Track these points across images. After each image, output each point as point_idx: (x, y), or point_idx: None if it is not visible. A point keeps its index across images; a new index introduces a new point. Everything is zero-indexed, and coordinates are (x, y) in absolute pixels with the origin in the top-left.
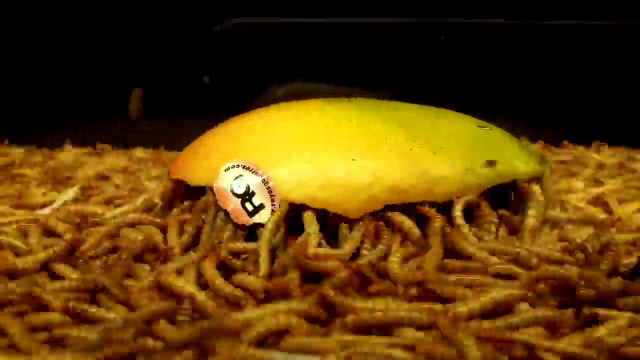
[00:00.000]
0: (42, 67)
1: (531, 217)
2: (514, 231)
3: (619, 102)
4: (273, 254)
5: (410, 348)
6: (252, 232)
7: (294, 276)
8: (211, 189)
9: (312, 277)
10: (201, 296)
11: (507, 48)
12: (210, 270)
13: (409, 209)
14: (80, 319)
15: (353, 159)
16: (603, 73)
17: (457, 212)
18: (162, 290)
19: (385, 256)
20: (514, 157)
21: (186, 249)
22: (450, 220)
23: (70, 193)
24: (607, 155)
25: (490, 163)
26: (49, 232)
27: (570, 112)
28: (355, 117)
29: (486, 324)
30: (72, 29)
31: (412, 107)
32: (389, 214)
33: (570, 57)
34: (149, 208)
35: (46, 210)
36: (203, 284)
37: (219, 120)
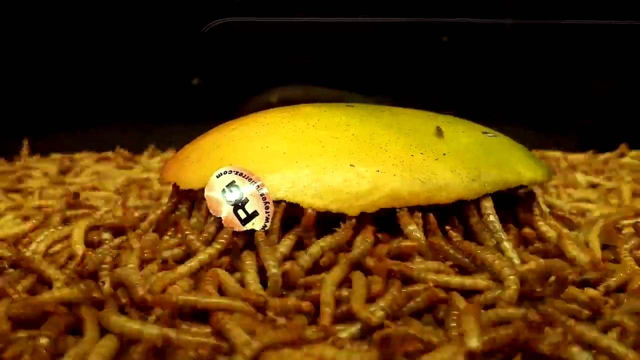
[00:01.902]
0: (25, 70)
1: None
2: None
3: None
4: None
5: None
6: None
7: None
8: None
9: None
10: None
11: (515, 50)
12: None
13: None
14: None
15: (351, 165)
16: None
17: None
18: None
19: None
20: (520, 164)
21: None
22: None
23: None
24: None
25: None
26: None
27: (582, 119)
28: (354, 123)
29: None
30: (58, 32)
31: (413, 112)
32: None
33: (582, 60)
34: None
35: None
36: None
37: (209, 124)
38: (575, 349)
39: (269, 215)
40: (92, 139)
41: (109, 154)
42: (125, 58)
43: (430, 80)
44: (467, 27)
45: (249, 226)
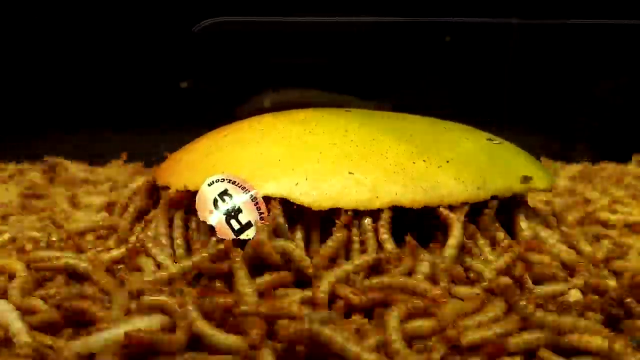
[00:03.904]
0: (11, 73)
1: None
2: None
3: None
4: None
5: None
6: None
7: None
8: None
9: None
10: None
11: (522, 51)
12: None
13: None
14: None
15: (350, 172)
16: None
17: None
18: None
19: None
20: (525, 172)
21: None
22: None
23: None
24: None
25: (526, 179)
26: None
27: (593, 125)
28: (353, 128)
29: None
30: (43, 34)
31: (415, 118)
32: None
33: (592, 61)
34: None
35: None
36: None
37: (201, 129)
38: None
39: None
40: (79, 145)
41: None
42: (111, 60)
43: (431, 83)
44: (468, 27)
45: (242, 237)
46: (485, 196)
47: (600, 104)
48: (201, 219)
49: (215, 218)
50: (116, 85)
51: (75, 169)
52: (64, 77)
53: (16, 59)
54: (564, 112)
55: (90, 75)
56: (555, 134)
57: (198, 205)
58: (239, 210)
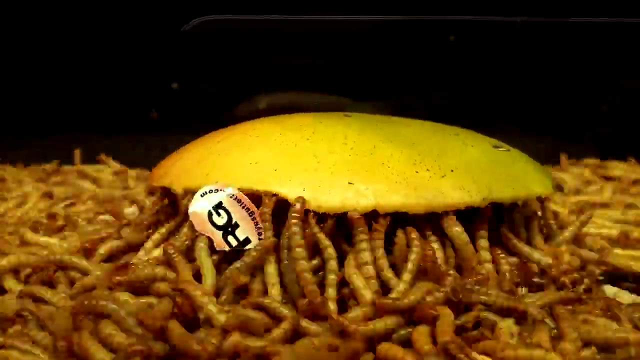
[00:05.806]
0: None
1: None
2: None
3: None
4: None
5: None
6: None
7: None
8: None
9: None
10: None
11: (529, 51)
12: None
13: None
14: None
15: (350, 183)
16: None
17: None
18: None
19: None
20: (531, 180)
21: None
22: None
23: None
24: None
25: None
26: None
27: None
28: (353, 135)
29: None
30: (29, 34)
31: (417, 123)
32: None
33: (600, 61)
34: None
35: None
36: None
37: (193, 133)
38: None
39: (261, 238)
40: (75, 147)
41: None
42: (106, 61)
43: (431, 84)
44: (468, 26)
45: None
46: (490, 207)
47: (608, 106)
48: (196, 232)
49: (210, 232)
50: (112, 87)
51: None
52: (62, 79)
53: (12, 60)
54: (571, 114)
55: (85, 77)
56: (560, 137)
57: (192, 218)
58: (236, 226)
